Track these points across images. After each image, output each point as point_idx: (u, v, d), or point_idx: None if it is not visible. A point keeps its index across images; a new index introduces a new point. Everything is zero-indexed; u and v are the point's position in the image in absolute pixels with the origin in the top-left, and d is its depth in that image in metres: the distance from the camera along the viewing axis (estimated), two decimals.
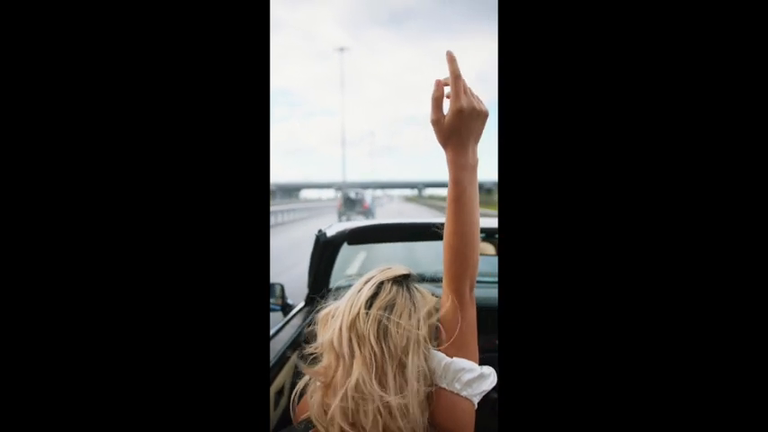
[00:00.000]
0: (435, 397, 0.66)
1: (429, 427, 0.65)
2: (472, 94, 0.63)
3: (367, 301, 0.67)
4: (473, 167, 0.65)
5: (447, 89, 0.64)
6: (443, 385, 0.66)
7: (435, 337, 0.69)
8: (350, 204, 17.90)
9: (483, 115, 0.63)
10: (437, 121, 0.64)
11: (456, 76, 0.62)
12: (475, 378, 0.66)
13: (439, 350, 0.68)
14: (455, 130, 0.63)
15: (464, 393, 0.66)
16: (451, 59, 0.62)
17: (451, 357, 0.67)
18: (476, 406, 0.68)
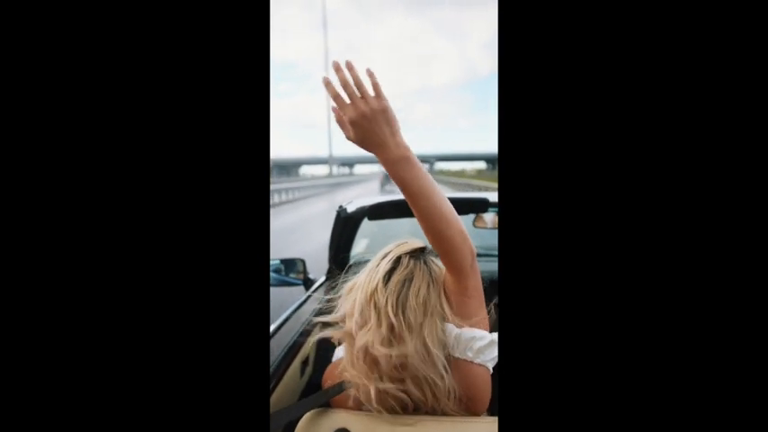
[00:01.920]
0: (453, 366, 0.69)
1: (449, 392, 0.68)
2: (360, 98, 0.62)
3: (385, 276, 0.70)
4: (403, 157, 0.63)
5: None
6: (456, 355, 0.69)
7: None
8: (387, 179, 20.72)
9: (376, 112, 0.62)
10: (349, 137, 0.65)
11: (335, 97, 0.63)
12: (486, 345, 0.70)
13: (448, 322, 0.71)
14: (364, 137, 0.63)
15: (477, 360, 0.69)
16: (327, 84, 0.63)
17: (461, 328, 0.70)
18: (491, 371, 0.72)
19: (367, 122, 0.62)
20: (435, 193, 0.64)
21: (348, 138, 0.66)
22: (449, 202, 0.65)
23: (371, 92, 0.63)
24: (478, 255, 0.72)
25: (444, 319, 0.71)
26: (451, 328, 0.70)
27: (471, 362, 0.70)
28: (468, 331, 0.70)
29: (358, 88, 0.63)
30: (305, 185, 19.58)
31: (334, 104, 0.65)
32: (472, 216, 1.72)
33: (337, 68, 0.63)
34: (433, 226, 0.65)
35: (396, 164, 0.63)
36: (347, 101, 0.64)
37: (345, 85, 0.63)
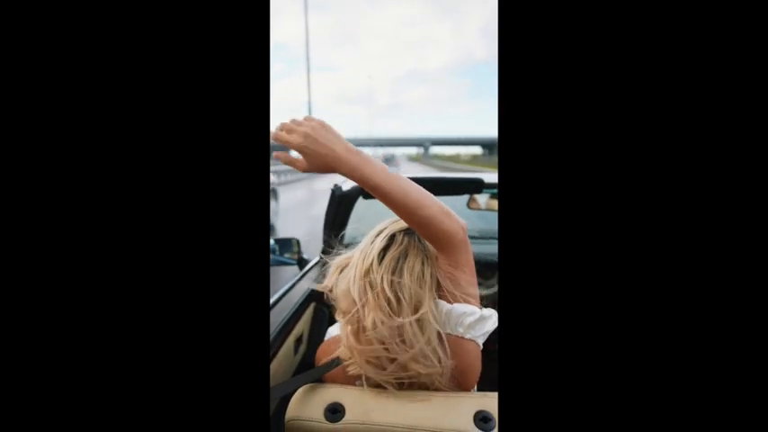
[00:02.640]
0: (455, 344, 0.70)
1: (443, 368, 0.69)
2: (296, 125, 0.66)
3: (380, 253, 0.71)
4: (359, 162, 0.64)
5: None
6: (447, 330, 0.71)
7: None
8: (388, 160, 25.06)
9: (315, 126, 0.65)
10: (305, 167, 0.68)
11: (285, 142, 0.67)
12: (476, 320, 0.71)
13: (439, 299, 0.72)
14: (316, 157, 0.65)
15: (468, 336, 0.71)
16: (276, 137, 0.67)
17: (452, 304, 0.72)
18: (480, 346, 0.73)
19: (312, 140, 0.65)
20: (397, 181, 0.65)
21: (304, 169, 0.68)
22: (416, 185, 0.66)
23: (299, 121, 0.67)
24: (474, 237, 0.73)
25: (438, 295, 0.72)
26: (443, 304, 0.71)
27: (462, 337, 0.71)
28: (460, 306, 0.71)
29: (289, 125, 0.67)
30: (281, 170, 16.94)
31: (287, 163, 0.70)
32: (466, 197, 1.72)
33: (276, 138, 0.68)
34: (406, 212, 0.66)
35: (356, 170, 0.64)
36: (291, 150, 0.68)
37: (283, 128, 0.67)
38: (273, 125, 0.66)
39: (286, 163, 0.70)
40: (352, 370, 0.71)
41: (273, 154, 0.71)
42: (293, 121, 0.67)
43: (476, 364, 0.73)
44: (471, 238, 0.73)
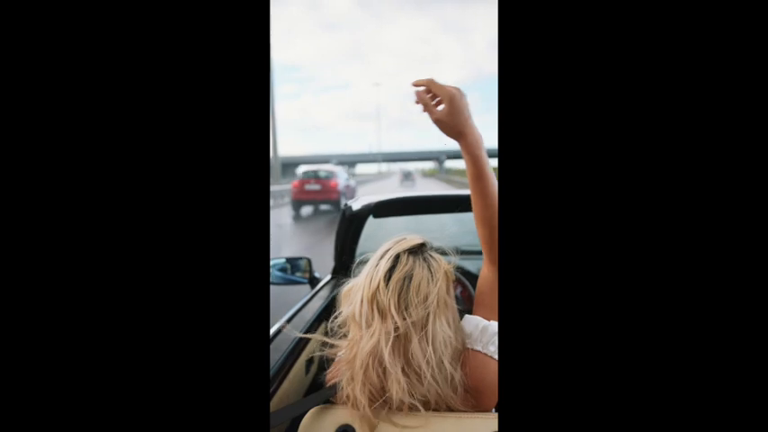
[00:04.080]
0: (468, 358, 0.70)
1: (457, 387, 0.68)
2: (441, 85, 0.72)
3: (385, 275, 0.70)
4: (481, 141, 0.72)
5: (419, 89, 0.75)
6: (478, 348, 0.70)
7: (460, 301, 0.74)
8: (406, 176, 33.66)
9: (460, 93, 0.71)
10: (438, 118, 0.72)
11: (428, 82, 0.73)
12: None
13: (476, 315, 0.72)
14: (454, 114, 0.70)
15: (497, 357, 0.70)
16: (415, 84, 0.74)
17: (489, 321, 0.71)
18: None
19: (457, 102, 0.70)
20: (495, 182, 0.71)
21: (437, 119, 0.72)
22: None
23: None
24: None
25: (450, 313, 0.71)
26: (478, 320, 0.72)
27: (491, 357, 0.70)
28: (495, 325, 0.71)
29: (434, 82, 0.73)
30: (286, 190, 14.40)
31: (422, 102, 0.74)
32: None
33: (415, 84, 0.75)
34: (489, 217, 0.72)
35: (478, 146, 0.71)
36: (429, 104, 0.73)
37: (431, 81, 0.73)
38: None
39: (423, 102, 0.73)
40: (356, 397, 0.70)
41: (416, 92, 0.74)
42: (432, 80, 0.72)
43: (496, 385, 0.71)
44: (479, 253, 0.73)
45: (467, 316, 0.77)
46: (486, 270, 0.77)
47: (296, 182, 11.67)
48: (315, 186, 11.35)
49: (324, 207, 11.84)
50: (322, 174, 11.59)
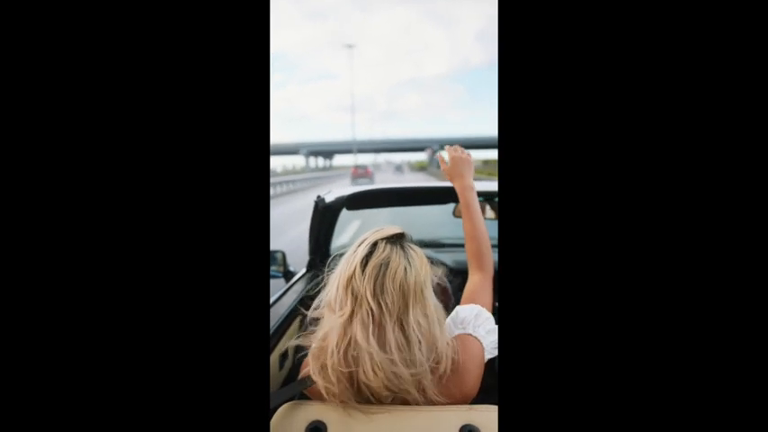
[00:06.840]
0: (460, 341, 0.74)
1: (429, 376, 0.68)
2: (456, 150, 1.07)
3: (362, 260, 0.70)
4: (471, 186, 1.00)
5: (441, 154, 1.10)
6: (469, 331, 0.76)
7: (442, 294, 0.78)
8: (397, 168, 37.62)
9: (464, 159, 1.05)
10: (446, 169, 1.06)
11: (455, 147, 1.09)
12: (493, 329, 0.77)
13: (442, 306, 0.75)
14: (454, 169, 1.04)
15: (468, 332, 0.76)
16: (441, 160, 1.10)
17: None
18: (483, 344, 0.76)
19: (459, 161, 1.05)
20: (481, 217, 0.98)
21: (444, 170, 1.07)
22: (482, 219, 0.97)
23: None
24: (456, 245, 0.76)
25: (429, 303, 0.71)
26: (474, 308, 0.79)
27: (475, 338, 0.75)
28: (463, 308, 0.78)
29: (457, 149, 1.09)
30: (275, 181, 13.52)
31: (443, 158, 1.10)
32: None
33: (441, 160, 1.10)
34: (476, 236, 0.94)
35: (466, 189, 1.00)
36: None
37: (450, 149, 1.09)
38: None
39: (447, 155, 1.08)
40: (330, 388, 0.69)
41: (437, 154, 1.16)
42: (456, 147, 1.09)
43: (474, 360, 0.73)
44: (454, 245, 0.74)
45: (464, 305, 0.82)
46: (474, 277, 0.89)
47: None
48: None
49: None
50: None
